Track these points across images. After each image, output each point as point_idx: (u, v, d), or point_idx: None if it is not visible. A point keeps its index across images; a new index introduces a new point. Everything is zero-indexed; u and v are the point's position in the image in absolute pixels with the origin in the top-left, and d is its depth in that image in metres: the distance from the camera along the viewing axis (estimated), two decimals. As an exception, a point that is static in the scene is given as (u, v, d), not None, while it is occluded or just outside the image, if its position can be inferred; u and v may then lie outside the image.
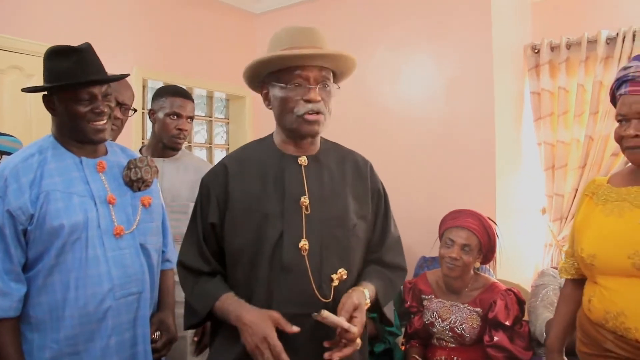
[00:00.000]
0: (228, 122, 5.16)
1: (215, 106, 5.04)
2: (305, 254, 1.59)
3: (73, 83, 1.67)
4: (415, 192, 3.92)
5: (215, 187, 1.65)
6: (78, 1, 3.68)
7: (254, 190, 1.63)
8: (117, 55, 3.81)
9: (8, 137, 2.56)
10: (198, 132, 4.97)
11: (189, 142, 4.80)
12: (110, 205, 1.77)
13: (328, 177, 1.69)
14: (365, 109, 4.21)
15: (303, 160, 1.67)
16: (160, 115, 2.57)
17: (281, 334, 1.49)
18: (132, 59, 3.94)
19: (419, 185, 3.93)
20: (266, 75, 1.64)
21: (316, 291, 1.58)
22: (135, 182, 1.85)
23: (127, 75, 1.84)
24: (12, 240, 1.63)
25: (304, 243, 1.59)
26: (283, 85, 1.59)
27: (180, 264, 1.71)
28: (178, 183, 2.59)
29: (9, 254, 1.63)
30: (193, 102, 2.66)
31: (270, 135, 1.75)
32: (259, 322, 1.49)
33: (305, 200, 1.62)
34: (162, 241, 2.00)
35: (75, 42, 1.75)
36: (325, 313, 1.48)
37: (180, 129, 2.57)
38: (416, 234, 3.48)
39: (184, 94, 2.62)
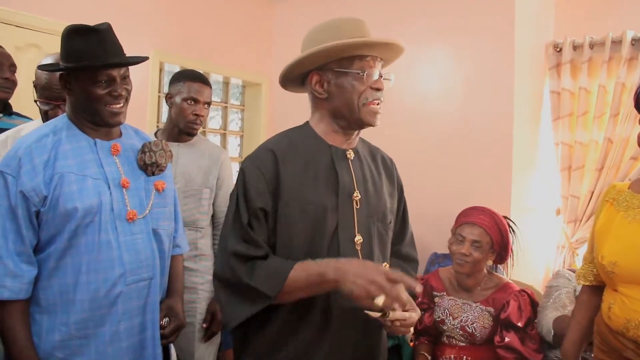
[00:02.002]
0: (243, 109, 5.13)
1: (231, 92, 5.01)
2: (359, 248, 1.62)
3: (91, 65, 1.64)
4: (430, 188, 3.88)
5: (265, 173, 1.57)
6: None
7: (307, 180, 1.59)
8: (134, 38, 3.78)
9: (25, 119, 2.55)
10: (213, 118, 4.94)
11: (203, 128, 4.77)
12: (124, 189, 1.75)
13: (369, 172, 1.73)
14: (382, 105, 4.15)
15: (351, 154, 1.69)
16: (177, 99, 2.55)
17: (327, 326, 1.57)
18: (150, 42, 3.92)
19: (434, 181, 3.89)
20: (325, 63, 1.61)
21: None
22: (149, 166, 1.83)
23: (146, 58, 1.80)
24: (25, 221, 1.61)
25: (358, 238, 1.62)
26: (357, 72, 1.59)
27: (234, 254, 1.54)
28: (192, 168, 2.57)
29: (20, 235, 1.61)
30: (211, 87, 2.64)
31: (307, 125, 1.71)
32: (367, 267, 1.44)
33: (357, 195, 1.64)
34: (174, 226, 1.98)
35: (93, 22, 1.72)
36: (392, 314, 1.48)
37: (197, 115, 2.55)
38: (429, 229, 3.45)
39: (202, 79, 2.60)
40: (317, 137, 1.67)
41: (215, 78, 4.70)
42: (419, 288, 1.43)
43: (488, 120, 3.69)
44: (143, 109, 3.86)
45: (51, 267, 1.65)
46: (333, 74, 1.61)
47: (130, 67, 1.79)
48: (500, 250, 2.58)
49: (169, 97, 2.60)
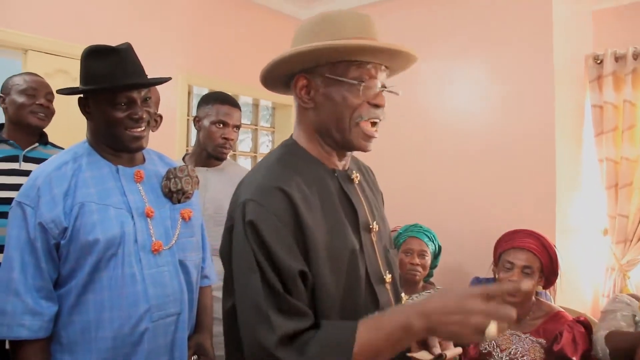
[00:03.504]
0: (274, 131, 5.05)
1: (261, 114, 4.94)
2: (389, 288, 1.38)
3: (109, 86, 1.55)
4: (469, 209, 3.73)
5: (284, 220, 1.18)
6: (124, 6, 3.62)
7: (328, 220, 1.27)
8: (161, 60, 3.74)
9: (60, 150, 2.50)
10: (243, 141, 4.88)
11: (233, 151, 4.70)
12: (148, 219, 1.65)
13: (369, 192, 1.48)
14: (417, 122, 4.04)
15: (356, 176, 1.42)
16: (206, 123, 2.46)
17: None
18: (178, 65, 3.87)
19: (473, 201, 3.74)
20: (315, 65, 1.30)
21: None
22: (175, 193, 1.73)
23: (169, 78, 1.71)
24: (44, 254, 1.52)
25: (388, 277, 1.38)
26: (352, 81, 1.27)
27: (280, 342, 1.11)
28: (222, 194, 2.47)
29: (40, 269, 1.52)
30: (240, 110, 2.54)
31: (294, 145, 1.37)
32: (452, 298, 1.10)
33: (375, 226, 1.39)
34: (201, 256, 1.88)
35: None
36: (449, 352, 1.26)
37: (226, 138, 2.45)
38: (469, 253, 3.31)
39: (231, 102, 2.51)
40: (315, 160, 1.35)
41: (244, 100, 4.64)
42: (525, 285, 1.11)
43: (528, 137, 3.52)
44: (171, 132, 3.80)
45: (72, 303, 1.56)
46: (323, 80, 1.29)
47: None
48: (549, 274, 2.42)
49: (197, 121, 2.51)
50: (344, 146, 1.34)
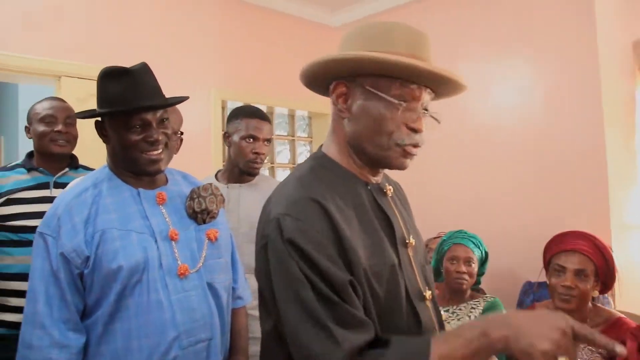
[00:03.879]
0: (311, 141, 4.99)
1: (298, 125, 4.89)
2: (430, 306, 1.30)
3: (122, 109, 1.50)
4: (516, 211, 3.59)
5: (324, 234, 1.10)
6: (153, 25, 3.62)
7: (366, 234, 1.20)
8: (194, 78, 3.74)
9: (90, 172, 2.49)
10: (281, 152, 4.83)
11: (271, 163, 4.66)
12: (173, 242, 1.59)
13: (401, 206, 1.41)
14: (456, 123, 3.91)
15: (390, 189, 1.35)
16: (236, 138, 2.40)
17: None
18: (210, 81, 3.85)
19: (520, 203, 3.59)
20: (358, 74, 1.22)
21: None
22: (199, 213, 1.66)
23: (186, 98, 1.65)
24: (68, 285, 1.48)
25: (428, 293, 1.30)
26: (393, 99, 1.17)
27: (349, 355, 1.03)
28: (256, 211, 2.36)
29: (65, 301, 1.48)
30: (270, 123, 2.47)
31: (325, 158, 1.29)
32: (548, 317, 1.03)
33: (412, 240, 1.32)
34: (232, 277, 1.80)
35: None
36: None
37: (257, 153, 2.38)
38: (519, 256, 3.16)
39: (261, 115, 2.44)
40: (347, 173, 1.27)
41: (280, 111, 4.60)
42: (619, 349, 1.05)
43: (574, 132, 3.36)
44: (206, 148, 3.78)
45: (100, 332, 1.51)
46: (363, 91, 1.20)
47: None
48: (605, 278, 2.25)
49: (227, 136, 2.46)
50: (378, 162, 1.26)
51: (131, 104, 1.51)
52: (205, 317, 1.59)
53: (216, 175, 2.52)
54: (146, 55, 3.38)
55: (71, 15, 3.34)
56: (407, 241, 1.30)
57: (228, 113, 4.09)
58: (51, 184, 2.32)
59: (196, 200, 1.66)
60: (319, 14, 4.61)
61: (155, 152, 1.57)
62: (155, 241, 1.56)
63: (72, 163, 2.45)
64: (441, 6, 4.11)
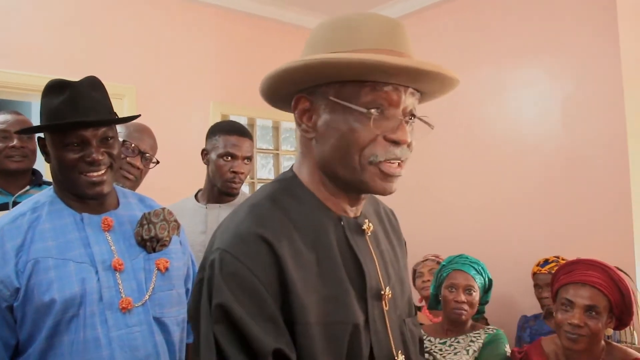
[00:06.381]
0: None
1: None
2: None
3: (55, 124, 1.38)
4: (528, 235, 3.37)
5: (269, 283, 0.93)
6: (155, 41, 3.54)
7: (327, 283, 1.00)
8: (193, 91, 3.64)
9: None
10: (287, 168, 4.68)
11: (251, 179, 4.48)
12: (117, 272, 1.45)
13: (385, 245, 1.18)
14: (467, 135, 3.72)
15: (369, 226, 1.12)
16: (213, 156, 2.26)
17: None
18: (209, 94, 3.76)
19: (531, 223, 3.37)
20: (317, 84, 1.02)
21: None
22: (148, 241, 1.52)
23: (135, 117, 1.52)
24: None
25: (401, 358, 1.08)
26: (360, 108, 0.96)
27: None
28: (235, 232, 2.25)
29: None
30: (251, 139, 2.32)
31: (295, 180, 1.09)
32: None
33: (388, 292, 1.09)
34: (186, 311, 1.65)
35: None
36: None
37: (235, 172, 2.23)
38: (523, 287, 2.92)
39: (240, 131, 2.28)
40: (317, 203, 1.07)
41: (286, 126, 4.46)
42: None
43: (595, 145, 3.13)
44: (202, 168, 3.66)
45: (32, 371, 1.37)
46: (327, 104, 1.00)
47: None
48: (621, 314, 2.02)
49: (204, 154, 2.31)
50: (355, 188, 1.05)
51: (64, 118, 1.38)
52: (150, 356, 1.45)
53: (196, 195, 2.38)
54: (149, 71, 3.32)
55: (71, 34, 3.30)
56: (382, 292, 1.08)
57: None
58: (10, 204, 2.20)
59: (145, 226, 1.52)
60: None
61: (96, 174, 1.44)
62: (96, 272, 1.42)
63: (35, 180, 2.33)
64: (452, 11, 3.94)
